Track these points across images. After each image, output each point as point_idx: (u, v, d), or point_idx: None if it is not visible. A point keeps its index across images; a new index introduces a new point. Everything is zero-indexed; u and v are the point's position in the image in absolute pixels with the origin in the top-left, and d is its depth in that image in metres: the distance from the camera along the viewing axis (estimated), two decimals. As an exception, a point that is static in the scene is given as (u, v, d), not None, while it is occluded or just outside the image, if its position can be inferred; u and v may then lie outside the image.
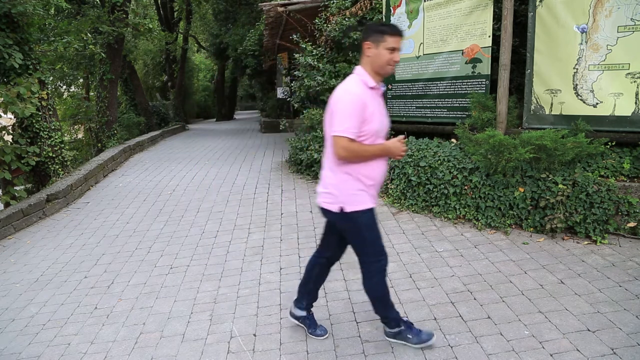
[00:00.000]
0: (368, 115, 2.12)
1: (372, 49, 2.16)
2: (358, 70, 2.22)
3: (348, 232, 2.32)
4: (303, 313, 2.65)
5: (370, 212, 2.25)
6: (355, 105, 2.09)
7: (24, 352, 2.75)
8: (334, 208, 2.23)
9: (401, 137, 2.26)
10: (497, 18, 4.52)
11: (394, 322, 2.44)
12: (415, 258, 3.58)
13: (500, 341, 2.44)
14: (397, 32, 2.15)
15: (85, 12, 10.14)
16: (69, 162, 7.14)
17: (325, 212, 2.31)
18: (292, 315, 2.70)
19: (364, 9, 5.90)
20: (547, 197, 3.72)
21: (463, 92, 4.93)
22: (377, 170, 2.25)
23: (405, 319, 2.50)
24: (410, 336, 2.43)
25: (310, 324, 2.64)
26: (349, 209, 2.20)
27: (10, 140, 6.47)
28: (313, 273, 2.56)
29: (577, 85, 3.96)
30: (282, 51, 12.49)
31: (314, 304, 2.69)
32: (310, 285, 2.60)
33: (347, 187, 2.20)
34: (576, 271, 3.16)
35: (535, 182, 3.83)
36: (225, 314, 2.98)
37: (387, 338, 2.51)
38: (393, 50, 2.15)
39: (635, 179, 3.74)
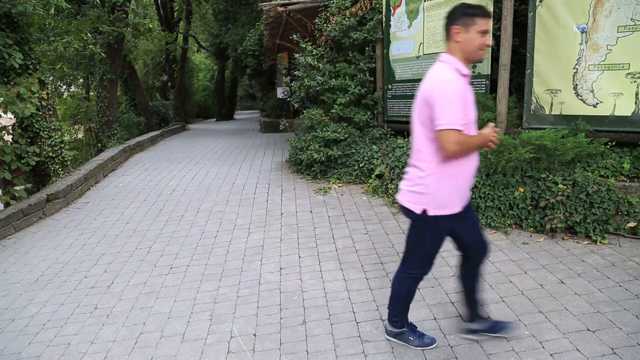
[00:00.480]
0: (466, 104, 2.00)
1: (462, 34, 2.00)
2: (447, 57, 2.06)
3: (416, 231, 2.21)
4: (481, 324, 2.44)
5: (449, 218, 2.12)
6: (458, 95, 1.95)
7: (24, 352, 2.75)
8: (417, 209, 2.11)
9: (491, 124, 2.11)
10: (497, 18, 4.52)
11: (400, 323, 2.43)
12: (415, 258, 3.57)
13: (500, 341, 2.44)
14: (487, 14, 2.02)
15: (85, 12, 10.13)
16: (69, 162, 7.14)
17: (404, 210, 2.20)
18: (470, 331, 2.47)
19: (364, 9, 5.89)
20: (547, 197, 3.72)
21: (463, 92, 4.92)
22: (474, 164, 2.13)
23: (409, 321, 2.49)
24: (411, 338, 2.43)
25: (494, 325, 2.44)
26: (432, 212, 2.08)
27: (10, 140, 6.46)
28: (467, 280, 2.37)
29: (577, 85, 3.96)
30: (282, 51, 12.49)
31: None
32: (475, 294, 2.40)
33: (442, 187, 2.07)
34: (576, 271, 3.16)
35: (535, 182, 3.83)
36: (225, 314, 2.98)
37: (388, 337, 2.51)
38: (484, 33, 2.00)
39: (635, 179, 3.74)
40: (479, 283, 2.40)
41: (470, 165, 2.11)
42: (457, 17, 2.03)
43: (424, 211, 2.09)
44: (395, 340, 2.48)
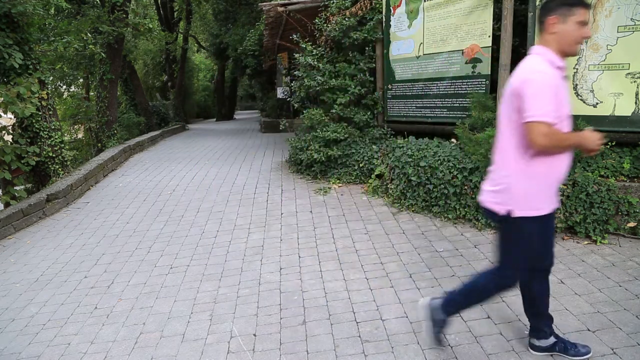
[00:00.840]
0: (559, 98, 1.88)
1: (559, 25, 1.89)
2: (539, 49, 1.95)
3: (502, 236, 2.08)
4: (551, 340, 2.25)
5: (540, 220, 1.97)
6: (550, 86, 1.84)
7: (24, 352, 2.75)
8: (501, 210, 1.99)
9: (590, 128, 1.98)
10: (497, 18, 4.52)
11: (447, 314, 2.24)
12: (415, 258, 3.58)
13: (500, 341, 2.44)
14: (586, 4, 1.90)
15: (85, 12, 10.14)
16: (69, 162, 7.14)
17: (488, 213, 2.08)
18: (538, 348, 2.28)
19: (364, 9, 5.89)
20: (547, 197, 3.72)
21: (463, 92, 4.93)
22: (564, 165, 1.97)
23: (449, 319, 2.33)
24: (438, 334, 2.27)
25: (567, 346, 2.24)
26: (518, 213, 1.95)
27: (10, 140, 6.47)
28: (534, 292, 2.22)
29: (577, 85, 3.96)
30: (282, 51, 12.49)
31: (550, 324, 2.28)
32: (540, 307, 2.24)
33: (529, 186, 1.94)
34: (576, 271, 3.16)
35: (535, 182, 3.83)
36: (225, 314, 2.98)
37: (426, 311, 2.27)
38: (583, 24, 1.88)
39: (635, 179, 3.74)
40: (546, 297, 2.23)
41: (561, 164, 1.97)
42: (553, 7, 1.92)
43: (509, 212, 1.97)
44: (427, 321, 2.25)
